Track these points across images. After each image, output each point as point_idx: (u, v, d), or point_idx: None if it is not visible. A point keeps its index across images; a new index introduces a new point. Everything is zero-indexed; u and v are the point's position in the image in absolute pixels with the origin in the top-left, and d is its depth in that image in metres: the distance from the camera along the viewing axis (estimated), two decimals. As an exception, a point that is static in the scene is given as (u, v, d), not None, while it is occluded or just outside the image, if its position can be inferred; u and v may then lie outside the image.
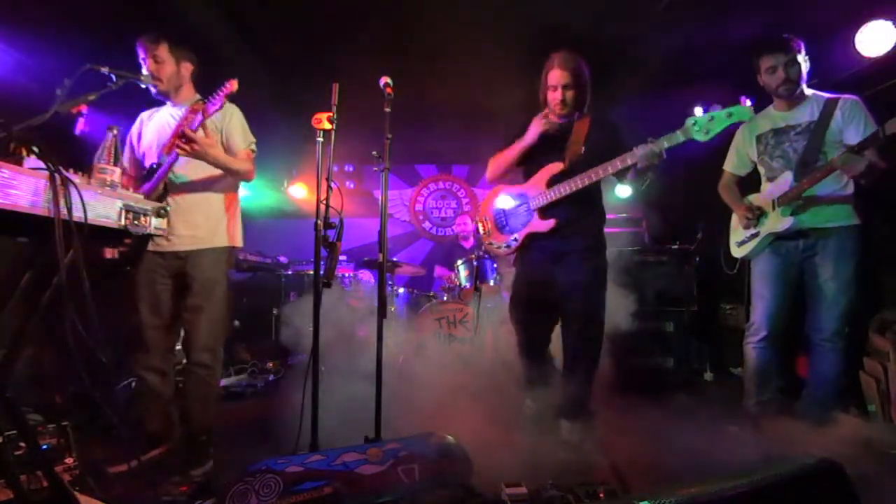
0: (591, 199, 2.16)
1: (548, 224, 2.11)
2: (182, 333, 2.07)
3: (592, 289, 2.08)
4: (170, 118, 2.03)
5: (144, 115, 2.12)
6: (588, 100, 2.15)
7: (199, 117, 1.81)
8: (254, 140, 2.09)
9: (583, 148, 2.07)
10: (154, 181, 1.83)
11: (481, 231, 2.43)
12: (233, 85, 1.82)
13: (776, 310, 2.16)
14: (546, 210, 2.14)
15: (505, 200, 2.30)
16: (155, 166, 1.89)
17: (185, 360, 1.96)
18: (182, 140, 1.75)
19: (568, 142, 2.11)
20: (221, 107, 1.82)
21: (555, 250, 2.13)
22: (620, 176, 2.07)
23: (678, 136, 1.85)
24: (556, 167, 2.11)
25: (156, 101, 2.08)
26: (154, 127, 2.05)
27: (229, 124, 2.03)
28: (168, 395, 2.00)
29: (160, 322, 1.96)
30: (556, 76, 2.08)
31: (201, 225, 1.96)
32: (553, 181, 2.12)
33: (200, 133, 1.81)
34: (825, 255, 2.04)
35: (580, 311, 2.08)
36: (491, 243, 2.38)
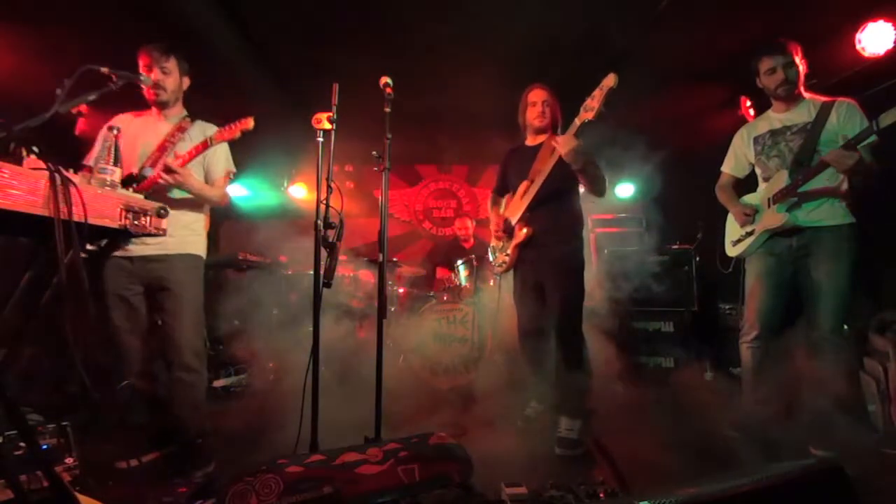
0: (563, 207, 2.32)
1: (525, 232, 2.33)
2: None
3: (568, 294, 2.23)
4: (156, 129, 2.03)
5: (125, 116, 2.07)
6: (559, 122, 2.44)
7: (200, 147, 1.89)
8: (233, 169, 2.15)
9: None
10: (135, 187, 1.84)
11: (491, 258, 2.69)
12: (249, 122, 1.88)
13: (768, 309, 2.16)
14: (524, 221, 2.36)
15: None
16: (134, 176, 1.89)
17: (170, 367, 1.93)
18: (166, 173, 1.82)
19: (535, 161, 2.33)
20: (231, 138, 1.89)
21: (537, 256, 2.32)
22: (571, 175, 2.21)
23: (575, 122, 2.02)
24: (525, 185, 2.35)
25: (146, 105, 2.06)
26: (137, 134, 2.01)
27: (213, 152, 2.04)
28: (161, 397, 1.97)
29: (134, 326, 1.95)
30: (535, 94, 2.41)
31: (174, 234, 1.94)
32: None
33: (183, 166, 1.87)
34: (819, 255, 2.04)
35: (559, 313, 2.21)
36: (497, 265, 2.62)
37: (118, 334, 1.92)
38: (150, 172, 1.90)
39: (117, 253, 1.87)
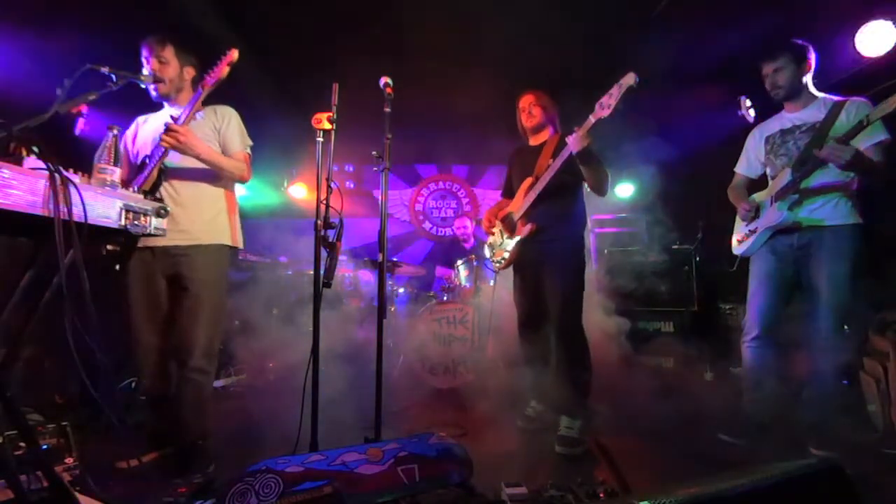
0: (567, 204, 2.33)
1: (528, 228, 2.32)
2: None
3: (568, 292, 2.23)
4: (169, 119, 2.01)
5: (141, 118, 2.10)
6: (556, 121, 2.47)
7: (194, 99, 1.84)
8: (250, 143, 2.10)
9: (551, 161, 2.27)
10: (147, 170, 1.81)
11: (488, 254, 2.66)
12: (233, 54, 1.83)
13: (768, 309, 2.16)
14: (527, 217, 2.35)
15: (499, 222, 2.56)
16: (147, 159, 1.86)
17: (181, 366, 1.89)
18: (166, 134, 1.75)
19: (538, 159, 2.35)
20: (220, 77, 1.84)
21: (539, 252, 2.31)
22: (577, 172, 2.21)
23: (590, 119, 2.00)
24: (528, 181, 2.37)
25: (154, 104, 2.07)
26: (151, 127, 2.03)
27: (227, 126, 2.02)
28: (169, 396, 1.94)
29: (153, 324, 1.92)
30: (524, 100, 2.47)
31: (196, 220, 1.91)
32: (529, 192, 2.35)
33: (186, 126, 1.81)
34: (820, 255, 2.03)
35: (558, 313, 2.21)
36: (495, 261, 2.58)
37: (137, 330, 1.90)
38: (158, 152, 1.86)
39: (140, 244, 1.83)
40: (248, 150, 2.08)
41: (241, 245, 2.07)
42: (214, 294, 1.94)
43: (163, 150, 1.80)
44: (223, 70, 1.85)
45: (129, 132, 2.10)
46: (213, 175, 1.97)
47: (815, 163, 1.97)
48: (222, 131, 2.01)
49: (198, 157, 1.86)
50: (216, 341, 1.97)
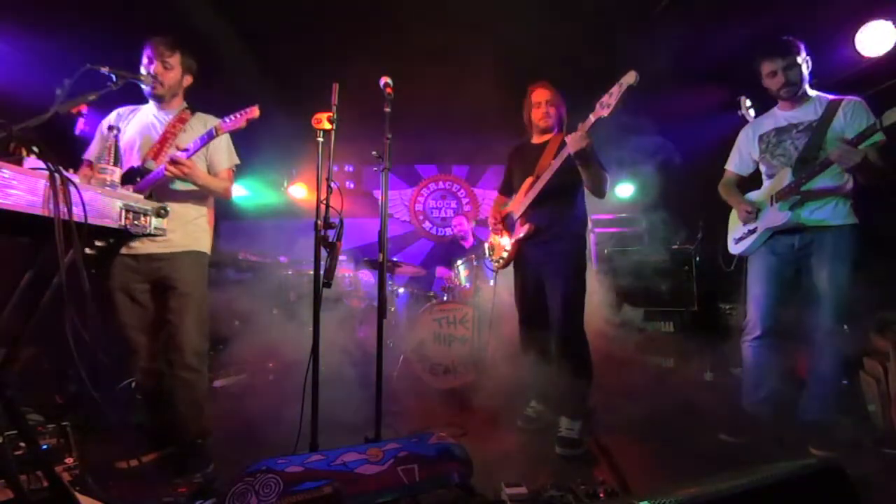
0: (568, 203, 2.31)
1: (526, 228, 2.32)
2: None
3: (570, 293, 2.20)
4: (155, 121, 2.02)
5: (123, 110, 2.08)
6: (564, 119, 2.44)
7: (205, 137, 1.84)
8: (237, 161, 2.13)
9: (553, 160, 2.25)
10: (141, 187, 1.82)
11: (488, 253, 2.66)
12: (255, 111, 1.85)
13: (770, 309, 2.15)
14: (526, 217, 2.36)
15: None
16: (137, 169, 1.88)
17: (171, 366, 1.91)
18: (172, 165, 1.79)
19: (541, 158, 2.34)
20: (236, 128, 1.85)
21: (540, 252, 2.31)
22: (576, 172, 2.18)
23: (590, 118, 1.99)
24: (529, 180, 2.36)
25: (144, 99, 2.06)
26: (136, 126, 2.01)
27: (216, 144, 2.03)
28: (166, 395, 1.94)
29: (141, 324, 1.93)
30: (539, 94, 2.41)
31: (177, 230, 1.93)
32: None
33: (190, 157, 1.84)
34: (821, 255, 2.03)
35: (559, 314, 2.19)
36: (494, 260, 2.59)
37: (125, 330, 1.91)
38: (152, 165, 1.88)
39: (122, 251, 1.85)
40: (233, 169, 2.12)
41: (209, 252, 2.11)
42: (199, 293, 1.98)
43: (161, 174, 1.82)
44: (241, 123, 1.86)
45: (109, 122, 2.03)
46: (199, 193, 2.01)
47: (823, 164, 1.96)
48: (211, 147, 2.02)
49: (195, 184, 1.91)
50: (204, 341, 1.99)
